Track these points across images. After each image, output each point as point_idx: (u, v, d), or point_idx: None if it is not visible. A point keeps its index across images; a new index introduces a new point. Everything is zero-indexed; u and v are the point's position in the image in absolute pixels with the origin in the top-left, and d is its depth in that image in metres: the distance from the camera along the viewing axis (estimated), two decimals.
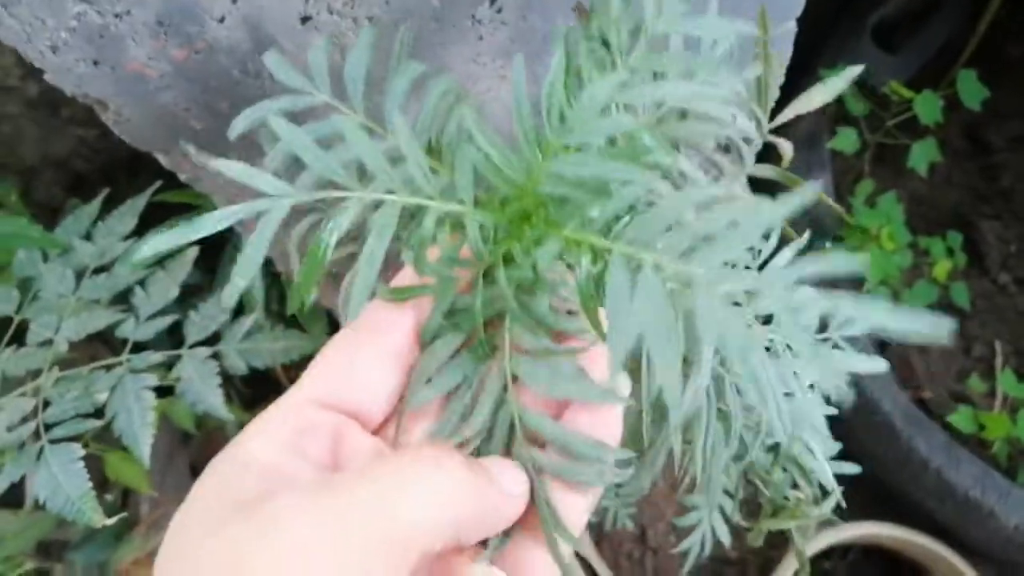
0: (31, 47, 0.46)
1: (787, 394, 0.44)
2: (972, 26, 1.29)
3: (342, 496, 0.25)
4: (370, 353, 0.32)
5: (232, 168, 0.31)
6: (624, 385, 0.33)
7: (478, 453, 0.33)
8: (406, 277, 0.35)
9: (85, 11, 0.45)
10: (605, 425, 0.32)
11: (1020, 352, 1.26)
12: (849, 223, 1.23)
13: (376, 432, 0.32)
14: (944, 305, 1.27)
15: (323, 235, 0.31)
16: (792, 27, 0.64)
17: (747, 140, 0.47)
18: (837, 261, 0.26)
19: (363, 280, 0.31)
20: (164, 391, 0.75)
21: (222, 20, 0.47)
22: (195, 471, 1.20)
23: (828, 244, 1.19)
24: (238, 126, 0.37)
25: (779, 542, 1.13)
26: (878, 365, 0.48)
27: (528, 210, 0.32)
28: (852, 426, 1.11)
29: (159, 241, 0.30)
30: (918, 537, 1.10)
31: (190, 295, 0.85)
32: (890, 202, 1.19)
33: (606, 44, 0.39)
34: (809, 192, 0.26)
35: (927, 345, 1.29)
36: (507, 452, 0.33)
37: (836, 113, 1.29)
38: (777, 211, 0.26)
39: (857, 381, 1.16)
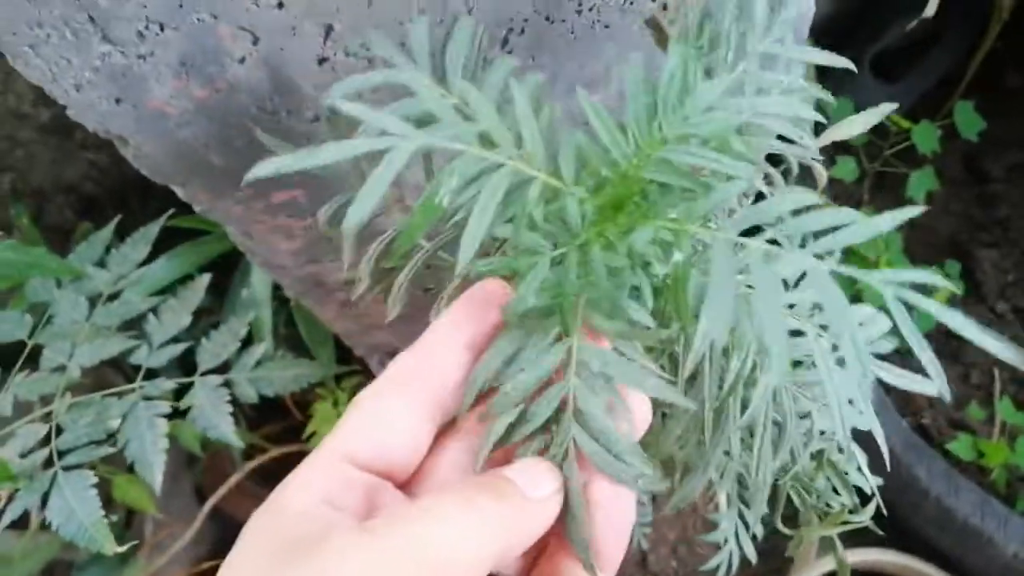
0: (56, 86, 0.48)
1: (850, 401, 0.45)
2: (971, 57, 1.31)
3: (382, 539, 0.27)
4: (398, 407, 0.32)
5: (355, 108, 0.31)
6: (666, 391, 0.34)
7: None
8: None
9: (110, 52, 0.46)
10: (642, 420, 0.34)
11: (1018, 380, 1.27)
12: (849, 249, 1.25)
13: (411, 479, 0.33)
14: (942, 333, 1.28)
15: (441, 177, 0.32)
16: (811, 5, 0.65)
17: (800, 161, 0.49)
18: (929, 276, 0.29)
19: (473, 234, 0.31)
20: (174, 414, 0.76)
21: (242, 61, 0.49)
22: (200, 492, 1.21)
23: None
24: (334, 96, 0.34)
25: (781, 565, 1.13)
26: (932, 387, 0.49)
27: (623, 196, 0.34)
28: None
29: (277, 163, 0.30)
30: (918, 564, 1.10)
31: (201, 318, 0.86)
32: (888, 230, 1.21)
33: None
34: (914, 210, 0.29)
35: (926, 372, 1.29)
36: (546, 430, 0.34)
37: (835, 142, 1.31)
38: (885, 222, 0.28)
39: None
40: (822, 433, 0.51)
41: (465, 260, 0.32)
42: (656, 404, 0.58)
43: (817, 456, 0.53)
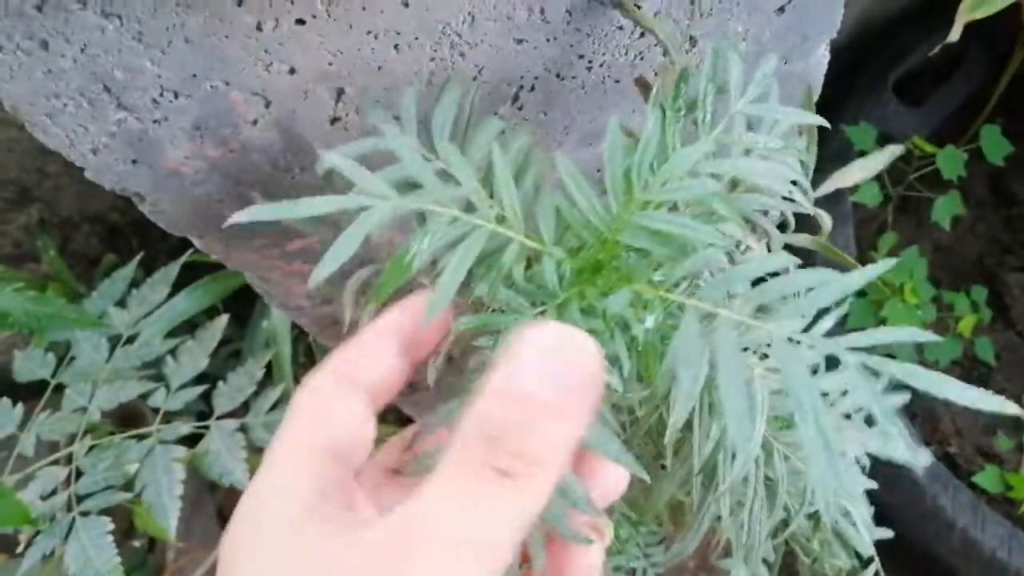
0: (74, 150, 0.49)
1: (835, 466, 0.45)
2: (995, 80, 1.29)
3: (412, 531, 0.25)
4: (352, 399, 0.32)
5: (336, 160, 0.33)
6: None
7: None
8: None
9: (125, 118, 0.47)
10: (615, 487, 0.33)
11: None
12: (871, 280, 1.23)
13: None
14: (969, 359, 1.26)
15: (413, 244, 0.32)
16: (824, 54, 0.64)
17: (795, 213, 0.49)
18: (905, 333, 0.29)
19: (446, 288, 0.32)
20: (194, 439, 0.77)
21: (255, 123, 0.50)
22: (222, 517, 1.22)
23: (852, 299, 1.19)
24: (324, 164, 0.35)
25: None
26: (923, 458, 0.49)
27: (601, 259, 0.35)
28: (876, 482, 1.11)
29: (254, 212, 0.31)
30: None
31: (221, 347, 0.87)
32: (913, 256, 1.19)
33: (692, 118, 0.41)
34: (880, 268, 0.29)
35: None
36: None
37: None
38: (852, 281, 0.28)
39: None
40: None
41: (433, 314, 0.32)
42: (658, 454, 0.58)
43: (814, 516, 0.53)
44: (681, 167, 0.34)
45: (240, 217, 0.30)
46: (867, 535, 0.49)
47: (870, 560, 0.51)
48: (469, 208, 0.34)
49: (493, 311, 0.36)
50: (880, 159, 0.50)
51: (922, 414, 1.26)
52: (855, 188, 1.22)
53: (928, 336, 0.30)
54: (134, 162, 0.50)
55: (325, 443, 0.31)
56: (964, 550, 1.06)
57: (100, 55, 0.43)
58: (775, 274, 0.32)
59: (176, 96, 0.46)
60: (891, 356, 0.31)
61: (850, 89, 1.29)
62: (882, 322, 1.16)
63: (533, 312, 0.34)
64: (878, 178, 1.26)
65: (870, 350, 0.29)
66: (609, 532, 0.34)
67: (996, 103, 1.28)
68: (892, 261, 0.32)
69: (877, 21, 1.32)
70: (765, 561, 0.59)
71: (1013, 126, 1.26)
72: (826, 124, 0.41)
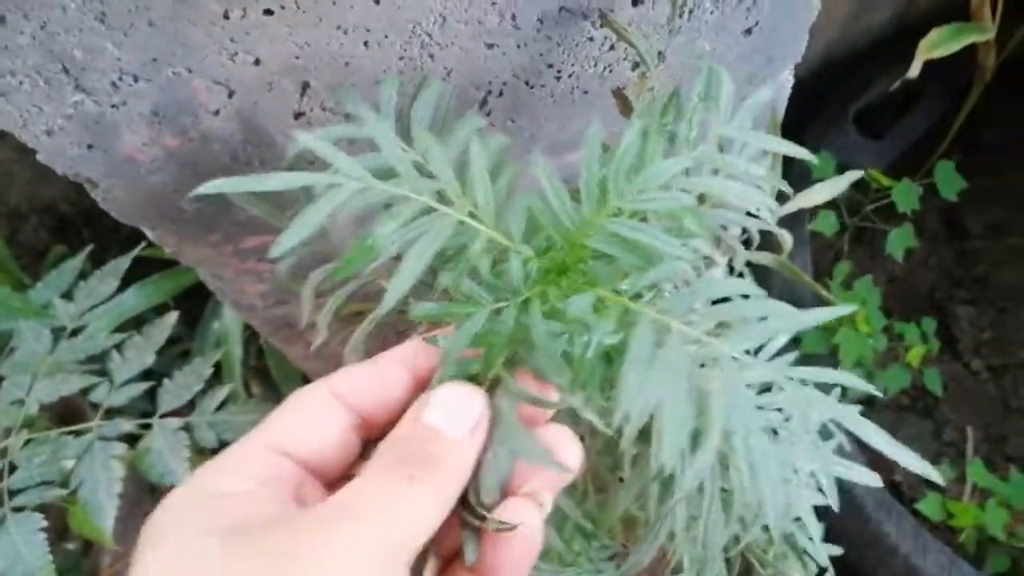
0: (26, 131, 0.47)
1: (785, 480, 0.45)
2: (952, 116, 1.32)
3: (339, 521, 0.28)
4: (333, 410, 0.34)
5: (311, 141, 0.32)
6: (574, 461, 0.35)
7: None
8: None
9: (83, 100, 0.46)
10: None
11: (991, 439, 1.27)
12: (827, 303, 1.26)
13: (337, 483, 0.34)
14: (917, 389, 1.29)
15: (378, 227, 0.32)
16: (788, 78, 0.65)
17: (760, 230, 0.49)
18: (850, 379, 0.29)
19: (407, 274, 0.32)
20: (133, 439, 0.74)
21: (217, 113, 0.48)
22: None
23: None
24: (298, 145, 0.34)
25: None
26: (874, 480, 0.50)
27: (568, 261, 0.35)
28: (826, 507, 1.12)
29: (221, 184, 0.31)
30: None
31: (170, 346, 0.85)
32: (866, 286, 1.21)
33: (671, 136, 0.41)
34: (838, 311, 0.29)
35: (899, 426, 1.30)
36: None
37: None
38: (809, 318, 0.30)
39: None
40: None
41: (391, 301, 0.32)
42: (615, 466, 0.58)
43: (768, 528, 0.53)
44: (657, 179, 0.34)
45: (205, 189, 0.29)
46: (822, 547, 0.49)
47: (823, 571, 0.51)
48: (443, 200, 0.34)
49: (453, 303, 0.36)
50: (842, 182, 0.51)
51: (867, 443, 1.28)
52: (813, 216, 1.25)
53: (868, 387, 0.31)
54: (89, 147, 0.49)
55: (283, 442, 0.32)
56: None
57: (60, 33, 0.42)
58: (727, 298, 0.32)
59: (136, 80, 0.45)
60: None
61: (811, 119, 1.31)
62: (835, 348, 1.18)
63: (494, 306, 0.34)
64: (835, 208, 1.29)
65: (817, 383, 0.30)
66: (547, 507, 0.34)
67: (953, 139, 1.32)
68: (851, 307, 0.33)
69: (840, 54, 1.36)
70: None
71: (969, 162, 1.30)
72: (810, 156, 0.42)
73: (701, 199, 0.47)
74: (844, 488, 1.21)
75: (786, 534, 0.52)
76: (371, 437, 0.35)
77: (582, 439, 0.51)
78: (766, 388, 0.47)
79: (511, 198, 0.36)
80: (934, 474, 0.29)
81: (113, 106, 0.47)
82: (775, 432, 0.46)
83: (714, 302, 0.32)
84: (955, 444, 1.27)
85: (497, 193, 0.38)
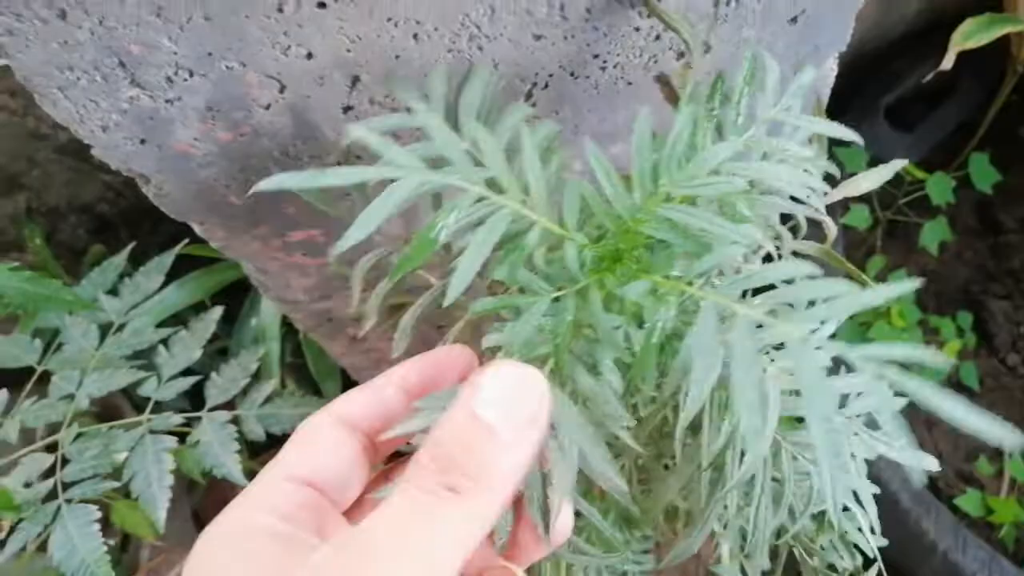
0: (83, 126, 0.48)
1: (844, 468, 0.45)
2: (985, 108, 1.31)
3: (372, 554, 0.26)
4: (343, 436, 0.33)
5: (363, 132, 0.32)
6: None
7: None
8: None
9: (138, 95, 0.47)
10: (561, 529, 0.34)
11: None
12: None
13: (353, 509, 0.34)
14: (953, 384, 1.27)
15: (439, 218, 0.32)
16: (832, 67, 0.65)
17: (808, 218, 0.49)
18: (925, 354, 0.29)
19: (467, 268, 0.31)
20: (175, 437, 0.75)
21: (268, 107, 0.49)
22: (198, 518, 1.20)
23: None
24: (349, 137, 0.34)
25: None
26: (933, 464, 0.49)
27: (622, 248, 0.35)
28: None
29: (279, 180, 0.30)
30: None
31: (208, 343, 0.86)
32: (900, 280, 1.20)
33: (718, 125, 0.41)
34: (898, 289, 0.29)
35: (935, 423, 1.29)
36: None
37: None
38: (878, 295, 0.28)
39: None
40: None
41: (454, 294, 0.31)
42: (660, 455, 0.58)
43: (819, 516, 0.53)
44: (709, 164, 0.34)
45: (266, 185, 0.30)
46: (872, 538, 0.49)
47: (873, 561, 0.51)
48: (495, 188, 0.34)
49: (510, 294, 0.36)
50: (885, 172, 0.51)
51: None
52: (845, 210, 1.24)
53: (934, 357, 0.30)
54: (142, 141, 0.50)
55: (301, 472, 0.32)
56: (946, 573, 1.07)
57: (118, 28, 0.43)
58: (788, 280, 0.32)
59: (191, 75, 0.46)
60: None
61: (843, 112, 1.30)
62: (869, 343, 1.17)
63: (552, 295, 0.34)
64: (868, 202, 1.28)
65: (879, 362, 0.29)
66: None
67: (985, 131, 1.30)
68: (910, 283, 0.32)
69: (871, 46, 1.35)
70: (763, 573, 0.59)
71: (1002, 154, 1.28)
72: (857, 138, 0.42)
73: (751, 185, 0.47)
74: (879, 485, 1.21)
75: (836, 524, 0.52)
76: (378, 461, 0.35)
77: (628, 428, 0.52)
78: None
79: (564, 183, 0.37)
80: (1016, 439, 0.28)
81: (167, 101, 0.47)
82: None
83: (764, 289, 0.32)
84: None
85: (548, 180, 0.38)
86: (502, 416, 0.28)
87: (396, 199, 0.31)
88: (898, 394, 0.31)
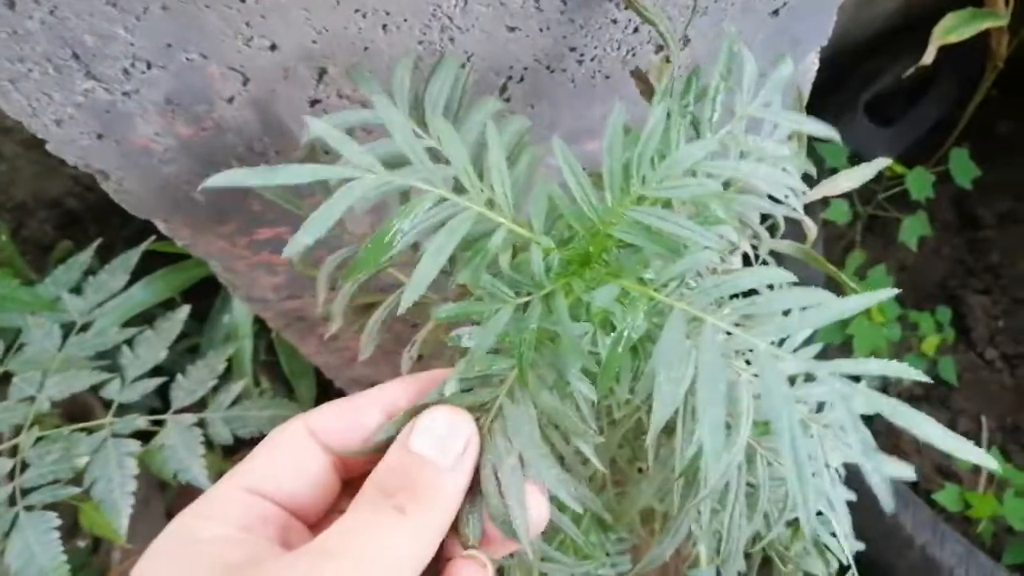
0: (36, 120, 0.46)
1: (813, 473, 0.44)
2: (964, 104, 1.31)
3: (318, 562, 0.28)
4: (311, 451, 0.33)
5: (322, 128, 0.31)
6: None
7: None
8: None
9: (93, 88, 0.45)
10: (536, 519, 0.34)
11: (1006, 428, 1.26)
12: (847, 290, 1.24)
13: (319, 523, 0.34)
14: (931, 379, 1.27)
15: (395, 221, 0.31)
16: (814, 62, 0.64)
17: (786, 217, 0.48)
18: (898, 369, 0.28)
19: (426, 270, 0.31)
20: (144, 436, 0.73)
21: (231, 100, 0.47)
22: (171, 517, 1.18)
23: None
24: (310, 132, 0.33)
25: None
26: (908, 473, 0.48)
27: (591, 252, 0.33)
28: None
29: (230, 176, 0.29)
30: None
31: (178, 341, 0.84)
32: (880, 275, 1.20)
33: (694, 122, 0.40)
34: (884, 294, 0.28)
35: None
36: None
37: None
38: (851, 305, 0.28)
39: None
40: None
41: (410, 300, 0.31)
42: (635, 458, 0.56)
43: (794, 523, 0.52)
44: (682, 164, 0.33)
45: (213, 182, 0.28)
46: (847, 545, 0.48)
47: (847, 568, 0.50)
48: (458, 189, 0.33)
49: (474, 299, 0.35)
50: (867, 170, 0.50)
51: (883, 431, 1.26)
52: (825, 205, 1.23)
53: (903, 369, 0.29)
54: (100, 136, 0.48)
55: (264, 483, 0.32)
56: (924, 567, 1.07)
57: (70, 18, 0.41)
58: (771, 286, 0.31)
59: (149, 67, 0.44)
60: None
61: (823, 107, 1.30)
62: (849, 338, 1.16)
63: (517, 301, 0.33)
64: (847, 197, 1.28)
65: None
66: (490, 569, 0.34)
67: (965, 126, 1.30)
68: (889, 291, 0.31)
69: (851, 41, 1.34)
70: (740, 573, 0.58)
71: (981, 150, 1.28)
72: (835, 135, 0.40)
73: (726, 186, 0.45)
74: (859, 479, 1.21)
75: (810, 530, 0.51)
76: (350, 477, 0.35)
77: (601, 431, 0.50)
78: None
79: (530, 185, 0.35)
80: (993, 463, 0.27)
81: (125, 94, 0.45)
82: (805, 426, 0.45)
83: (744, 294, 0.31)
84: (970, 434, 1.26)
85: (515, 180, 0.36)
86: (436, 449, 0.32)
87: (348, 201, 0.29)
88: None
